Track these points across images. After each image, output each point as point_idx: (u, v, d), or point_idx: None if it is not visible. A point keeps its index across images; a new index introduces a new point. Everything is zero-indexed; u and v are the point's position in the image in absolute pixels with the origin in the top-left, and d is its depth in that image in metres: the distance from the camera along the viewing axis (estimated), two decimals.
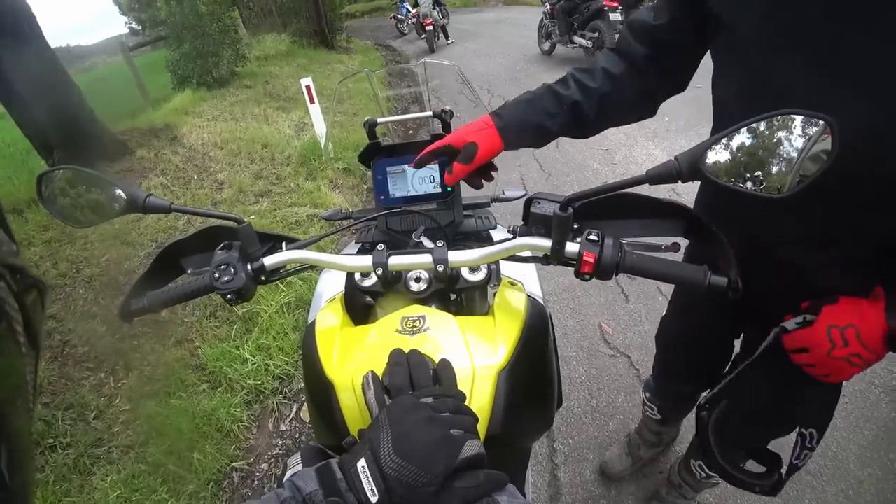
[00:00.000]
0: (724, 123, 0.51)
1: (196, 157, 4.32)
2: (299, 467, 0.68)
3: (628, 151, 3.91)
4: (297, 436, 1.95)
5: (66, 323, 2.52)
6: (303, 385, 2.11)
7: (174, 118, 5.23)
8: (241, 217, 0.68)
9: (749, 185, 0.50)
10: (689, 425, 1.60)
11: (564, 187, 3.48)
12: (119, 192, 0.64)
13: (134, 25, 12.57)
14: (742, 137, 0.50)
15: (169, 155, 4.29)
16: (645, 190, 0.57)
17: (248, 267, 0.66)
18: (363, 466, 0.46)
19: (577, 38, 6.76)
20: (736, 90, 0.73)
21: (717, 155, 0.51)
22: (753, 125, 0.49)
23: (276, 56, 8.83)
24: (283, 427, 1.99)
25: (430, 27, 9.63)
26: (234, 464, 1.84)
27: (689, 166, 0.51)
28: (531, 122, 0.83)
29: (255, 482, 1.80)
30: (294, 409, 2.05)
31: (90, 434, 1.95)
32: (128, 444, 1.91)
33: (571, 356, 2.09)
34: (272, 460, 1.86)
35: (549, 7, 7.15)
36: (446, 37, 10.50)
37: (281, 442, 1.93)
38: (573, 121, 0.84)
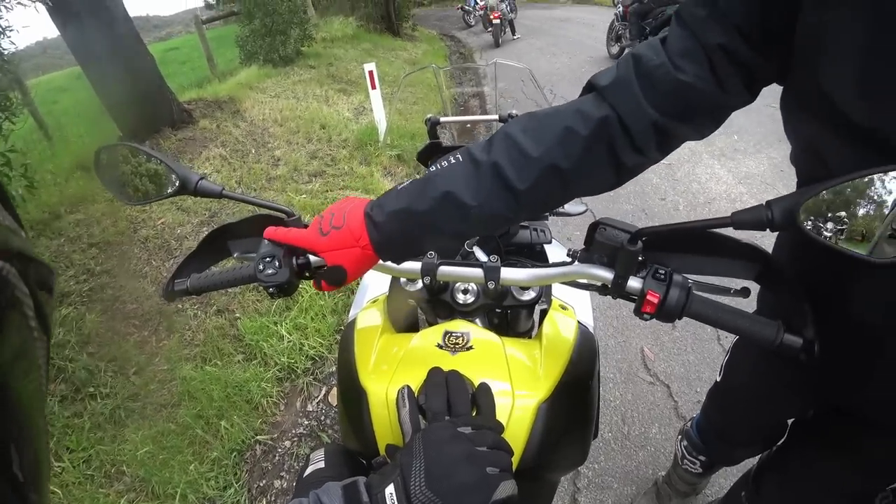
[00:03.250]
0: (821, 172, 0.42)
1: (255, 132, 4.43)
2: (321, 465, 0.69)
3: (691, 168, 3.71)
4: (322, 418, 1.96)
5: (119, 279, 2.63)
6: (335, 372, 2.12)
7: (238, 92, 5.38)
8: (292, 209, 0.67)
9: (853, 246, 0.42)
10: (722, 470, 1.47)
11: (620, 199, 3.35)
12: (172, 173, 0.65)
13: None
14: (852, 190, 0.41)
15: (230, 127, 4.42)
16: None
17: (294, 262, 0.64)
18: (391, 493, 0.45)
19: None
20: (835, 134, 0.53)
21: (819, 207, 0.42)
22: (868, 178, 0.40)
23: (341, 39, 8.95)
24: (310, 407, 2.00)
25: (498, 21, 9.50)
26: (258, 437, 1.86)
27: (783, 215, 0.44)
28: (419, 246, 0.61)
29: (277, 458, 1.82)
30: (323, 392, 2.06)
31: (128, 388, 2.03)
32: (161, 402, 1.98)
33: (608, 377, 2.01)
34: (296, 439, 1.88)
35: (621, 9, 6.90)
36: (513, 31, 10.33)
37: (307, 422, 1.94)
38: (485, 230, 0.65)
